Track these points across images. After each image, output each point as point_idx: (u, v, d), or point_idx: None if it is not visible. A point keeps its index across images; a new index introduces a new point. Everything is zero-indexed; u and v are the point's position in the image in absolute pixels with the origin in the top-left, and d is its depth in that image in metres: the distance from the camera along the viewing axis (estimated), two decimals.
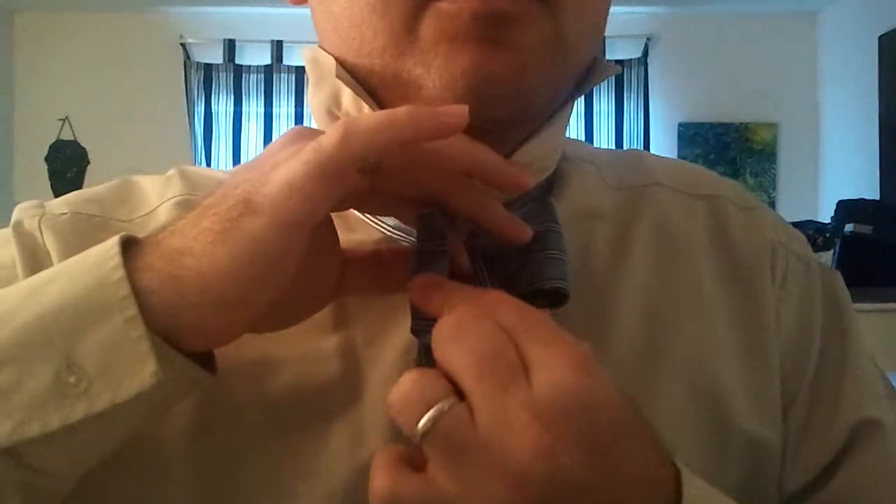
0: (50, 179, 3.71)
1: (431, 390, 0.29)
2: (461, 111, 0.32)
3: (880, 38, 3.10)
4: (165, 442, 0.37)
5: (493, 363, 0.29)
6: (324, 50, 0.41)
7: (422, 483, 0.29)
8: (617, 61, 3.67)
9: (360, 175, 0.33)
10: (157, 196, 0.43)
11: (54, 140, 3.73)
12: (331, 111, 0.41)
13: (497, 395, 0.28)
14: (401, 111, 0.31)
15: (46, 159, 3.73)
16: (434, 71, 0.35)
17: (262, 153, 0.34)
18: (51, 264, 0.38)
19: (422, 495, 0.29)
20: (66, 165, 3.72)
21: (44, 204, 0.42)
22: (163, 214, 0.42)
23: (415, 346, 0.36)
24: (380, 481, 0.29)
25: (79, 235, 0.40)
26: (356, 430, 0.38)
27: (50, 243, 0.40)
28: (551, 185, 0.45)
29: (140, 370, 0.30)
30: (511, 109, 0.37)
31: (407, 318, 0.35)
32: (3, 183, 3.68)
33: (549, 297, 0.36)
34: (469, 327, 0.30)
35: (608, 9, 0.42)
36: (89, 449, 0.32)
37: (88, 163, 3.75)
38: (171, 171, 0.45)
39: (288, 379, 0.38)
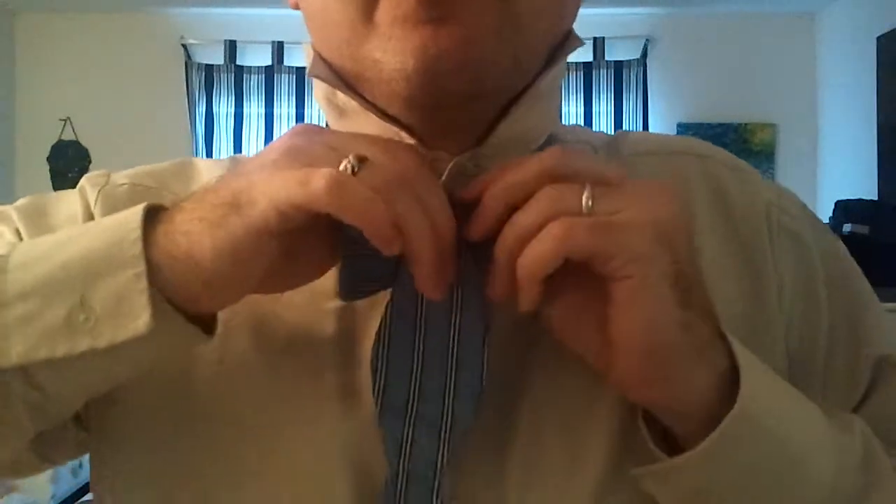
0: (52, 180, 3.73)
1: (571, 190, 0.36)
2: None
3: (878, 38, 3.11)
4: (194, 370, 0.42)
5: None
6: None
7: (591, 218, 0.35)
8: (616, 62, 3.68)
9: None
10: (208, 175, 0.48)
11: (56, 140, 3.74)
12: (330, 100, 0.44)
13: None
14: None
15: (48, 159, 3.75)
16: (389, 54, 0.38)
17: (263, 151, 0.38)
18: None
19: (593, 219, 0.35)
20: (68, 165, 3.73)
21: (109, 175, 0.48)
22: None
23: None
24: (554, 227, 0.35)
25: (132, 205, 0.45)
26: (350, 388, 0.41)
27: (98, 215, 0.45)
28: None
29: (137, 318, 0.34)
30: (462, 82, 0.38)
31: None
32: (6, 183, 3.69)
33: None
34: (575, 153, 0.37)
35: None
36: (90, 380, 0.37)
37: (90, 163, 3.76)
38: (227, 157, 0.51)
39: (285, 331, 0.42)
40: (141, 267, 0.34)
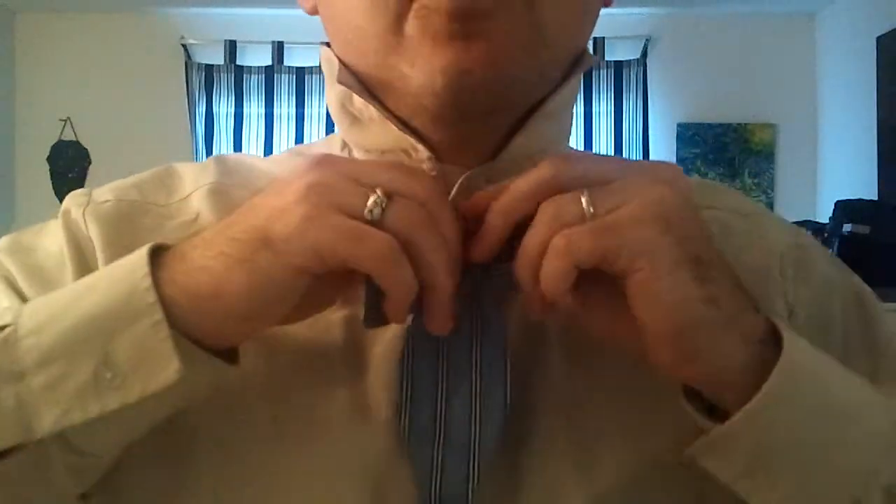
0: (52, 180, 3.73)
1: (570, 199, 0.36)
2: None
3: (878, 38, 3.11)
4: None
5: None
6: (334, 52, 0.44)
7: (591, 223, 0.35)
8: (616, 62, 3.68)
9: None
10: (192, 183, 0.47)
11: (56, 140, 3.74)
12: (344, 106, 0.43)
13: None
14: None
15: (48, 159, 3.74)
16: (417, 69, 0.38)
17: (281, 183, 0.36)
18: (93, 251, 0.43)
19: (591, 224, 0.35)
20: (68, 166, 3.73)
21: (91, 192, 0.46)
22: (195, 200, 0.46)
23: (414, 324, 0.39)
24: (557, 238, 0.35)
25: (121, 220, 0.44)
26: (360, 400, 0.40)
27: (93, 232, 0.44)
28: None
29: (166, 367, 0.34)
30: (488, 98, 0.38)
31: None
32: (5, 183, 3.69)
33: None
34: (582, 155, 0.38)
35: (599, 2, 0.43)
36: (125, 432, 0.37)
37: (90, 163, 3.76)
38: (210, 159, 0.49)
39: (293, 344, 0.41)
40: (158, 315, 0.34)
